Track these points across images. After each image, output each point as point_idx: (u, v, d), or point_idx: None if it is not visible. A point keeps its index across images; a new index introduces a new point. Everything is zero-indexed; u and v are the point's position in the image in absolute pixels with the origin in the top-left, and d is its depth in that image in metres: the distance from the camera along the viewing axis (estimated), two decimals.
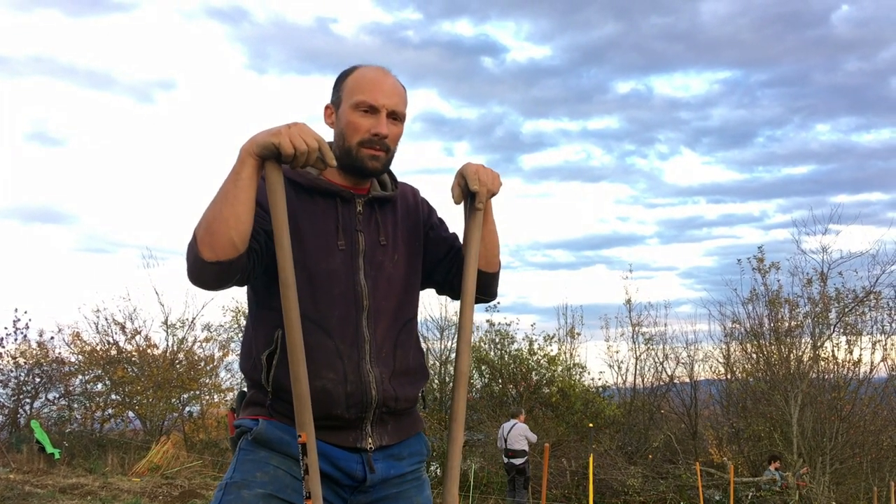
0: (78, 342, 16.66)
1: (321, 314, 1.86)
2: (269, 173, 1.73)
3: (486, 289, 2.09)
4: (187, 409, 17.06)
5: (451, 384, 1.95)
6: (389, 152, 1.96)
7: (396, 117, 1.96)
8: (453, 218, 2.15)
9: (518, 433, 13.22)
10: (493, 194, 1.97)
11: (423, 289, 2.14)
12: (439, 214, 2.20)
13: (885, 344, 16.36)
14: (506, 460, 13.44)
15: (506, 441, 13.33)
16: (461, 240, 2.10)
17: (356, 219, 1.97)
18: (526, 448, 13.08)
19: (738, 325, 17.55)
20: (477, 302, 2.04)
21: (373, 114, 1.92)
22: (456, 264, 2.10)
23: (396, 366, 1.95)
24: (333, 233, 1.93)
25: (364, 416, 1.89)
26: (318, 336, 1.85)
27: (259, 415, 1.89)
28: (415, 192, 2.17)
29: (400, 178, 2.13)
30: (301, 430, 1.69)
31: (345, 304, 1.89)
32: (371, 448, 1.91)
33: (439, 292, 2.20)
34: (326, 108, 2.03)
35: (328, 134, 1.99)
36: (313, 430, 1.70)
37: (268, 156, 1.71)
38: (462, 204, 1.97)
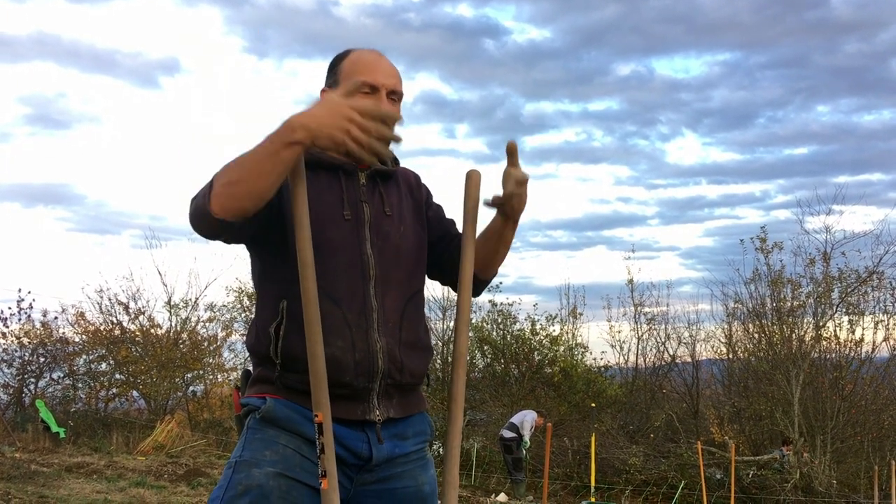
0: (82, 322, 16.79)
1: (328, 284, 1.85)
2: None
3: (474, 290, 2.08)
4: (191, 388, 17.19)
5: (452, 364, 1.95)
6: None
7: (395, 97, 1.96)
8: (455, 211, 2.14)
9: (522, 414, 13.33)
10: (521, 212, 2.02)
11: None
12: (436, 201, 2.20)
13: (888, 324, 16.35)
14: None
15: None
16: (458, 227, 2.10)
17: (360, 190, 1.98)
18: (517, 425, 13.16)
19: (740, 305, 17.55)
20: None
21: (373, 94, 1.92)
22: (448, 250, 2.10)
23: (403, 337, 1.94)
24: (338, 203, 1.93)
25: (371, 386, 1.88)
26: (326, 305, 1.83)
27: (266, 392, 1.89)
28: (416, 175, 2.18)
29: (402, 163, 2.14)
30: (317, 410, 1.69)
31: (352, 274, 1.89)
32: (379, 420, 1.91)
33: (429, 276, 2.19)
34: (322, 92, 2.02)
35: None
36: (329, 410, 1.70)
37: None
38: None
